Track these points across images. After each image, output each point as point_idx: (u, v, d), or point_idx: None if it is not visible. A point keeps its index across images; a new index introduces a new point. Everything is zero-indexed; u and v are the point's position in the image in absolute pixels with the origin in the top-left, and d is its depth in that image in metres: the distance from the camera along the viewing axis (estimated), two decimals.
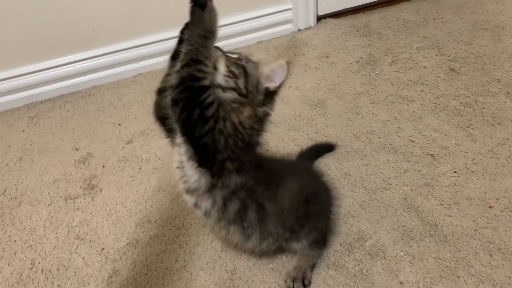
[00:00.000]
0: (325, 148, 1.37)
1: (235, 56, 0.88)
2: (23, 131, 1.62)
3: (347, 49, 1.83)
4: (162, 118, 0.88)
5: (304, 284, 1.03)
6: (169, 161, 0.96)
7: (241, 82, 0.84)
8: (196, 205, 0.90)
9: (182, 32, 0.85)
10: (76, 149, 1.50)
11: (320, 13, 2.01)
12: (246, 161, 0.85)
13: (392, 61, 1.73)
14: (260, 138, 0.88)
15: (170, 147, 0.94)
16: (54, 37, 1.68)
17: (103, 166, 1.42)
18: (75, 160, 1.46)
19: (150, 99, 1.69)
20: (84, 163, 1.44)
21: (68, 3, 1.62)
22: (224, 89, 0.83)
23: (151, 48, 1.81)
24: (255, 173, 0.87)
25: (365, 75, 1.68)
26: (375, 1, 2.06)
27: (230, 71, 0.84)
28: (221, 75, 0.83)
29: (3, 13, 1.57)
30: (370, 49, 1.81)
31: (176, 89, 0.77)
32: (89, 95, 1.76)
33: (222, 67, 0.84)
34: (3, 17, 1.58)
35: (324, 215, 1.07)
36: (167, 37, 1.80)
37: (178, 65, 0.78)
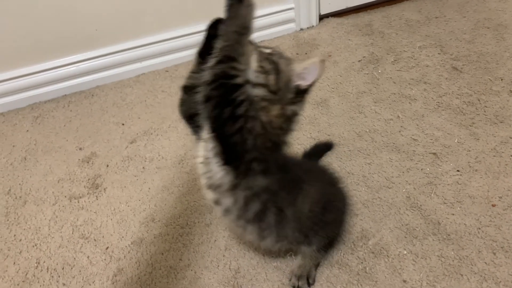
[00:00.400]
0: (325, 147, 1.38)
1: (268, 51, 0.85)
2: (27, 131, 1.62)
3: (349, 48, 1.83)
4: (189, 116, 0.87)
5: (308, 283, 1.03)
6: (194, 155, 0.95)
7: (271, 79, 0.81)
8: (216, 202, 0.88)
9: (209, 28, 0.84)
10: (80, 149, 1.51)
11: (322, 12, 2.01)
12: (272, 162, 0.83)
13: (395, 60, 1.73)
14: (288, 137, 0.86)
15: (194, 143, 0.92)
16: (57, 38, 1.68)
17: (107, 166, 1.43)
18: (79, 159, 1.47)
19: (153, 99, 1.71)
20: (88, 162, 1.45)
21: (70, 3, 1.63)
22: (253, 85, 0.80)
23: (154, 48, 1.82)
24: (279, 176, 0.85)
25: (367, 74, 1.68)
26: (377, 0, 2.06)
27: (261, 67, 0.81)
28: (252, 70, 0.81)
29: (6, 14, 1.58)
30: (372, 48, 1.81)
31: (209, 85, 0.76)
32: (92, 95, 1.76)
33: (253, 62, 0.81)
34: (6, 17, 1.58)
35: (338, 224, 1.07)
36: (170, 37, 1.81)
37: (212, 61, 0.76)
